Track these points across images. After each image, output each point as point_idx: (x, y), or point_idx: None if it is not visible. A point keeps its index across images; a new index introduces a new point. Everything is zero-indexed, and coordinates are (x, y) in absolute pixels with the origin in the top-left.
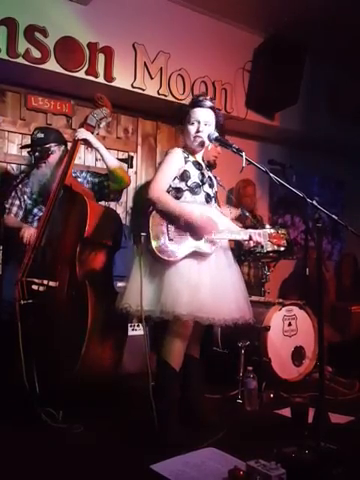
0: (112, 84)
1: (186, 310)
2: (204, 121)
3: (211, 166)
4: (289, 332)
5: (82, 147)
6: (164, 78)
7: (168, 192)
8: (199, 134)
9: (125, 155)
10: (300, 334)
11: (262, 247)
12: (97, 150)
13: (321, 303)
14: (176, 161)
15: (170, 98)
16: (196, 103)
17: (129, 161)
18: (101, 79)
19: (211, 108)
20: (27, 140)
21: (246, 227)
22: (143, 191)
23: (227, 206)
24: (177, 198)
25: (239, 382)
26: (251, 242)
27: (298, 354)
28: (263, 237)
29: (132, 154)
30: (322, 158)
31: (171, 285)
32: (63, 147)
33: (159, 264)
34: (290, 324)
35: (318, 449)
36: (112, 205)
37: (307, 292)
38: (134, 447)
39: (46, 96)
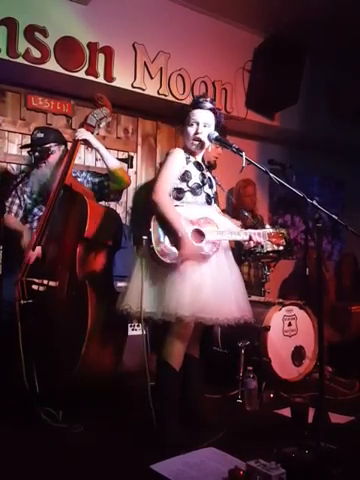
0: (112, 84)
1: (189, 311)
2: (203, 122)
3: (211, 166)
4: (289, 332)
5: (82, 147)
6: (164, 78)
7: (169, 193)
8: (197, 135)
9: (125, 155)
10: (300, 334)
11: (262, 247)
12: (97, 150)
13: (321, 303)
14: (178, 162)
15: (170, 98)
16: (196, 104)
17: (129, 161)
18: (101, 79)
19: (211, 109)
20: (27, 140)
21: (246, 227)
22: (144, 191)
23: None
24: (178, 199)
25: (239, 382)
26: (251, 242)
27: (298, 354)
28: (263, 237)
29: (132, 154)
30: (322, 158)
31: (173, 287)
32: (63, 147)
33: (161, 267)
34: (290, 324)
35: (318, 449)
36: (112, 205)
37: (307, 292)
38: (134, 447)
39: (46, 96)
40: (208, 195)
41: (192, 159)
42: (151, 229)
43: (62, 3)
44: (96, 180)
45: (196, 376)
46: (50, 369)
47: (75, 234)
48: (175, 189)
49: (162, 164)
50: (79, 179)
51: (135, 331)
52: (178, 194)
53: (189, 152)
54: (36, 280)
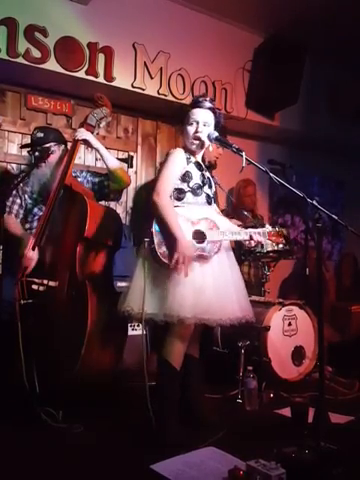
0: (112, 84)
1: (191, 313)
2: (203, 122)
3: (212, 166)
4: (289, 332)
5: (82, 147)
6: (164, 78)
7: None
8: (197, 134)
9: (125, 155)
10: (300, 334)
11: (262, 246)
12: (97, 150)
13: (321, 303)
14: (179, 162)
15: (170, 98)
16: (195, 104)
17: (129, 161)
18: (101, 79)
19: (210, 109)
20: (27, 140)
21: (246, 227)
22: (144, 191)
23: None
24: (179, 199)
25: (239, 382)
26: (252, 242)
27: (298, 354)
28: (263, 236)
29: (132, 154)
30: (322, 158)
31: (175, 289)
32: (63, 147)
33: (163, 268)
34: (290, 324)
35: (318, 449)
36: (112, 205)
37: (307, 292)
38: (134, 447)
39: (46, 96)
40: (208, 195)
41: (192, 159)
42: (153, 231)
43: (62, 3)
44: (96, 180)
45: (196, 376)
46: (50, 369)
47: (75, 234)
48: (176, 189)
49: (163, 164)
50: (79, 179)
51: (135, 331)
52: (179, 194)
53: (189, 152)
54: (36, 280)
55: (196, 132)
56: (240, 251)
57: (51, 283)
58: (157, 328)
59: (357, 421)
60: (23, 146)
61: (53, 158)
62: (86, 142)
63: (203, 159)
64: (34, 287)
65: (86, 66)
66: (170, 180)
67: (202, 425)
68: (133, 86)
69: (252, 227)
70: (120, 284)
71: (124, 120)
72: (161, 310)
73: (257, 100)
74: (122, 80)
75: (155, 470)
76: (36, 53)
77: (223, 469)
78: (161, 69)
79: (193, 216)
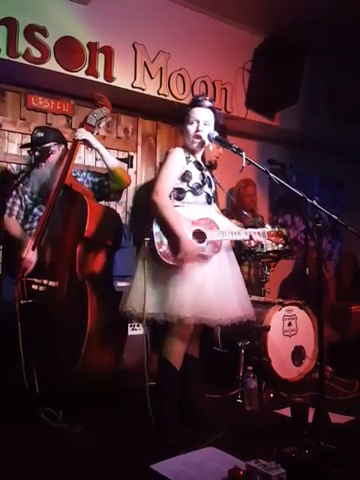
0: (112, 84)
1: (191, 313)
2: (203, 121)
3: (212, 166)
4: (289, 332)
5: (82, 147)
6: (164, 78)
7: (170, 194)
8: (198, 133)
9: (125, 155)
10: (300, 334)
11: (262, 246)
12: (97, 150)
13: (321, 303)
14: (179, 161)
15: (170, 98)
16: (195, 103)
17: (129, 161)
18: (101, 79)
19: (210, 108)
20: (27, 140)
21: (246, 227)
22: (144, 191)
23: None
24: (179, 199)
25: (239, 382)
26: (252, 242)
27: (298, 354)
28: (262, 236)
29: (132, 154)
30: (322, 158)
31: (176, 288)
32: (63, 146)
33: (163, 268)
34: (290, 324)
35: (318, 449)
36: (112, 205)
37: (307, 292)
38: (134, 447)
39: (46, 96)
40: (208, 195)
41: (192, 158)
42: (153, 231)
43: (62, 3)
44: (96, 180)
45: (196, 376)
46: (50, 369)
47: (75, 234)
48: (175, 189)
49: (162, 164)
50: (79, 179)
51: (135, 331)
52: (179, 194)
53: (189, 151)
54: (36, 280)
55: (197, 131)
56: (240, 251)
57: (51, 283)
58: (157, 328)
59: (357, 421)
60: (23, 146)
61: (53, 158)
62: (86, 142)
63: (203, 159)
64: (34, 287)
65: (86, 66)
66: (169, 180)
67: (202, 425)
68: (133, 86)
69: (252, 227)
70: (120, 284)
71: (124, 120)
72: (161, 310)
73: (257, 100)
74: (122, 80)
75: (155, 470)
76: (36, 53)
77: (223, 469)
78: (161, 69)
79: (193, 216)
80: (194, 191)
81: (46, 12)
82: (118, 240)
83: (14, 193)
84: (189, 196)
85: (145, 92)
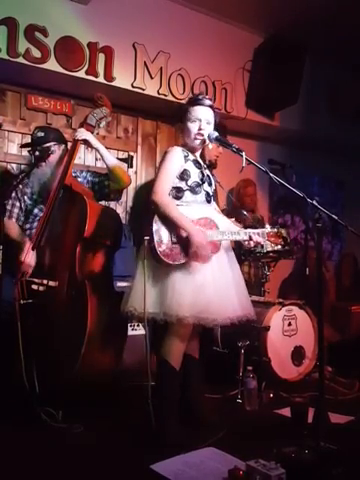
0: (112, 84)
1: (189, 312)
2: (205, 119)
3: (212, 166)
4: (289, 332)
5: (82, 147)
6: (164, 78)
7: (169, 193)
8: (201, 132)
9: (125, 155)
10: (300, 334)
11: (262, 247)
12: (97, 150)
13: (321, 303)
14: (177, 160)
15: (170, 98)
16: (196, 101)
17: (129, 161)
18: (101, 79)
19: (210, 107)
20: (27, 140)
21: (246, 227)
22: (144, 191)
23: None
24: (178, 198)
25: (239, 382)
26: (251, 242)
27: (298, 354)
28: (262, 236)
29: (132, 154)
30: (322, 158)
31: (175, 288)
32: (63, 146)
33: (163, 267)
34: (290, 324)
35: (318, 449)
36: (112, 205)
37: (307, 292)
38: (134, 447)
39: (46, 96)
40: (207, 193)
41: (191, 157)
42: (153, 229)
43: (62, 3)
44: (96, 180)
45: (196, 376)
46: (50, 369)
47: (75, 234)
48: (174, 188)
49: (160, 163)
50: (79, 179)
51: (135, 331)
52: (177, 193)
53: (188, 149)
54: (36, 280)
55: (200, 129)
56: (240, 251)
57: (51, 283)
58: (156, 328)
59: (357, 421)
60: (23, 146)
61: (53, 158)
62: (86, 142)
63: (203, 157)
64: (34, 287)
65: (86, 66)
66: (168, 179)
67: (202, 425)
68: (133, 86)
69: (251, 227)
70: (120, 284)
71: (124, 120)
72: (161, 309)
73: (257, 100)
74: (122, 80)
75: (155, 470)
76: (36, 53)
77: (223, 469)
78: (161, 69)
79: (192, 215)
80: (193, 190)
81: (46, 12)
82: (118, 240)
83: (13, 195)
84: (188, 195)
85: (145, 92)
